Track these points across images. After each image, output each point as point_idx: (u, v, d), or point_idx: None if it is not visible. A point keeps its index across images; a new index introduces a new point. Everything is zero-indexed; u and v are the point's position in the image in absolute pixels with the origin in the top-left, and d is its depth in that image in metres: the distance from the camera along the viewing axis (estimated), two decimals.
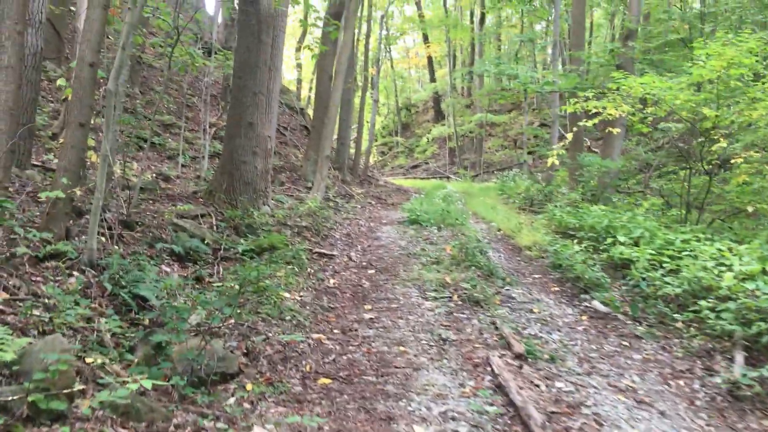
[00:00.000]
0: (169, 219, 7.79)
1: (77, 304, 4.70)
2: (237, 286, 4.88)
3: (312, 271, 7.06)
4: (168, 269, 6.51)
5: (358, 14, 19.63)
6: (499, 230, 10.97)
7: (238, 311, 4.57)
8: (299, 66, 36.20)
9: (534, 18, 32.12)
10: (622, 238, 8.12)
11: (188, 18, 22.17)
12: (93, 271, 5.44)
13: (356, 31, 22.14)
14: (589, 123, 9.93)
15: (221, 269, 6.83)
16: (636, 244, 8.12)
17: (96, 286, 5.21)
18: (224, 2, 13.58)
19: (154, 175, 12.11)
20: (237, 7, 9.69)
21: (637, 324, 5.98)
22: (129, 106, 15.30)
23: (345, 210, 13.16)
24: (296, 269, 6.76)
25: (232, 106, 9.68)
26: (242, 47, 9.49)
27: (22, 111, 7.99)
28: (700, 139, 10.36)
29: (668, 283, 6.48)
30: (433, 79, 42.66)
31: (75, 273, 5.33)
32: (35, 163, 9.09)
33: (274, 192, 14.09)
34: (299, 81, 36.31)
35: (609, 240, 8.29)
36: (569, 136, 10.33)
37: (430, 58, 42.13)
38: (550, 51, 38.49)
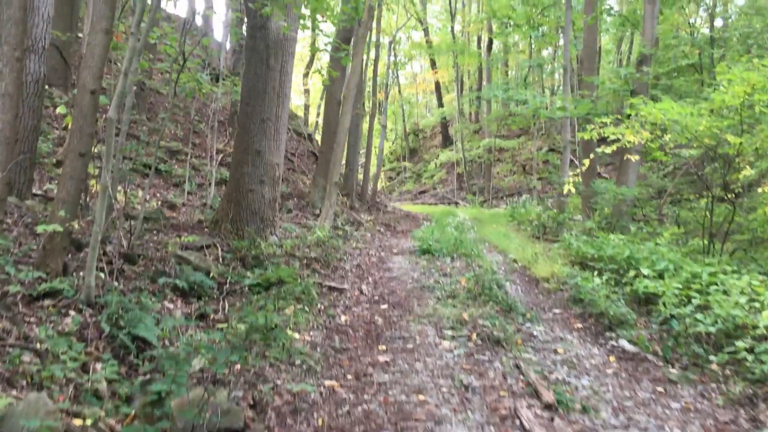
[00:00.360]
0: (172, 251, 7.48)
1: (71, 347, 4.38)
2: (243, 330, 4.56)
3: (322, 307, 6.71)
4: (171, 306, 6.18)
5: (367, 40, 19.51)
6: (515, 260, 10.61)
7: (245, 354, 4.22)
8: (307, 92, 36.17)
9: (542, 44, 32.09)
10: (645, 271, 7.75)
11: (195, 44, 22.16)
12: (90, 310, 5.12)
13: (365, 56, 22.04)
14: (608, 150, 9.62)
15: (227, 305, 6.49)
16: (660, 277, 7.76)
17: (93, 327, 4.89)
18: (232, 28, 13.41)
19: (160, 202, 11.86)
20: (245, 33, 9.48)
21: (670, 366, 5.59)
22: (135, 133, 15.13)
23: (354, 239, 12.83)
24: (306, 306, 6.41)
25: (239, 133, 9.44)
26: (250, 73, 9.26)
27: (22, 139, 7.76)
28: (714, 165, 10.05)
29: (700, 321, 6.11)
30: (440, 105, 42.58)
31: (71, 312, 5.01)
32: (37, 192, 8.84)
33: (282, 220, 13.80)
34: (307, 107, 36.26)
35: (632, 272, 7.91)
36: (586, 162, 10.03)
37: (437, 84, 42.10)
38: (557, 76, 38.50)
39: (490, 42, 34.47)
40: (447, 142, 42.12)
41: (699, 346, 5.82)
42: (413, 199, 36.24)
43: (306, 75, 34.93)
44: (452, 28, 37.99)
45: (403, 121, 46.44)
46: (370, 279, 8.73)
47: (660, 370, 5.47)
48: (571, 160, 19.38)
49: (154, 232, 8.77)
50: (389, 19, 33.62)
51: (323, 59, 29.73)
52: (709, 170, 11.25)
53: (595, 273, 8.36)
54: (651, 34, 13.47)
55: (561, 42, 32.04)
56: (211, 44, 23.18)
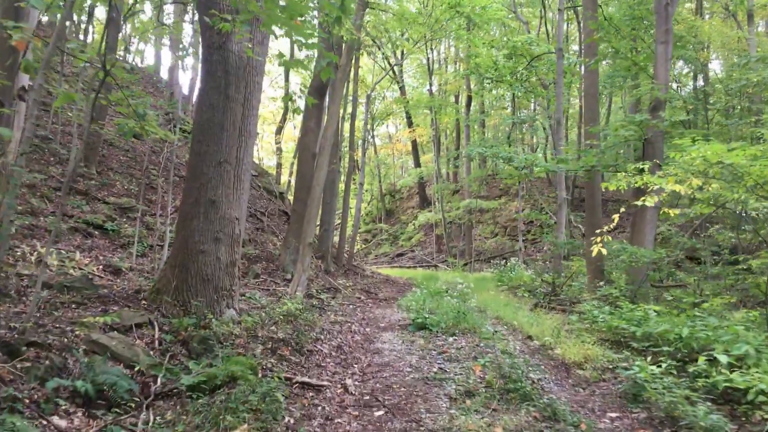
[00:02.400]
0: (86, 335, 5.41)
1: None
2: None
3: (291, 420, 4.62)
4: (63, 423, 4.09)
5: (343, 92, 17.95)
6: (529, 337, 8.64)
7: None
8: (279, 149, 34.51)
9: (525, 100, 31.00)
10: (722, 358, 5.86)
11: (160, 96, 20.26)
12: None
13: (341, 110, 20.50)
14: (650, 201, 7.80)
15: (152, 418, 4.41)
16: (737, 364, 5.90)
17: None
18: (184, 50, 11.65)
19: (101, 267, 9.87)
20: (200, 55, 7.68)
21: None
22: (81, 188, 13.18)
23: (332, 309, 10.77)
24: (268, 421, 4.33)
25: (188, 179, 7.48)
26: (205, 104, 7.40)
27: None
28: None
29: None
30: (417, 164, 41.19)
31: None
32: None
33: (247, 287, 11.75)
34: (279, 165, 34.54)
35: (701, 359, 6.01)
36: (615, 218, 8.26)
37: (414, 143, 40.79)
38: (533, 138, 37.42)
39: (469, 99, 33.36)
40: (425, 203, 40.63)
41: None
42: (390, 262, 34.39)
43: (279, 132, 33.37)
44: (430, 85, 36.99)
45: (379, 181, 44.95)
46: (355, 367, 6.66)
47: None
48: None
49: (73, 306, 6.70)
50: (366, 75, 32.46)
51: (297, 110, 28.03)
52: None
53: (648, 358, 6.45)
54: (665, 77, 12.02)
55: (555, 92, 31.03)
56: (175, 93, 21.50)
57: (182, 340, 6.20)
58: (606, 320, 8.45)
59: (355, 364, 6.80)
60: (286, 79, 24.03)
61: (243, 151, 7.67)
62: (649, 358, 6.38)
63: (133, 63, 28.26)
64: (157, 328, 6.28)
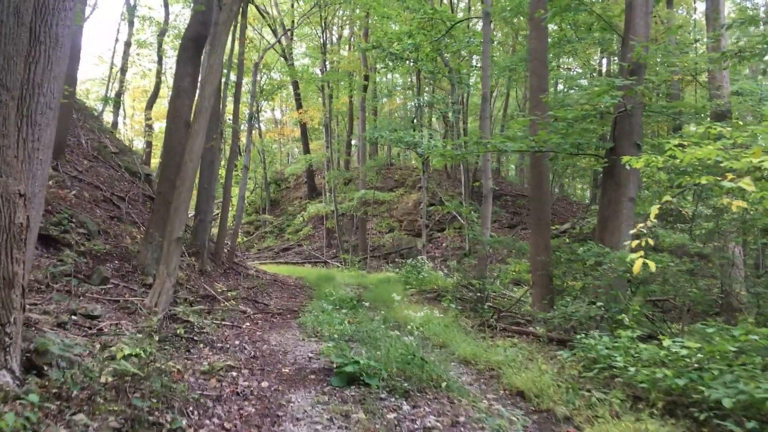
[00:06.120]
0: None
1: None
2: None
3: None
4: None
5: (228, 40, 14.24)
6: (521, 394, 5.57)
7: None
8: (150, 127, 29.70)
9: (424, 86, 28.30)
10: None
11: None
12: None
13: (223, 79, 16.75)
14: (748, 183, 4.79)
15: None
16: None
17: None
18: None
19: None
20: None
21: None
22: None
23: (205, 340, 7.20)
24: None
25: None
26: None
27: None
28: None
29: None
30: (307, 151, 37.57)
31: None
32: None
33: (85, 296, 8.02)
34: (149, 144, 29.77)
35: None
36: (654, 210, 5.34)
37: (303, 127, 37.05)
38: (435, 125, 35.02)
39: (366, 79, 30.19)
40: (314, 193, 37.24)
41: None
42: (275, 258, 30.76)
43: (150, 107, 28.63)
44: (323, 64, 33.54)
45: (264, 168, 40.80)
46: None
47: None
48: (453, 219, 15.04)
49: None
50: (253, 43, 28.56)
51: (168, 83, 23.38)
52: None
53: None
54: (645, 33, 9.49)
55: (434, 84, 28.53)
56: None
57: None
58: (623, 364, 5.56)
59: None
60: None
61: (39, 71, 4.06)
62: None
63: None
64: None
